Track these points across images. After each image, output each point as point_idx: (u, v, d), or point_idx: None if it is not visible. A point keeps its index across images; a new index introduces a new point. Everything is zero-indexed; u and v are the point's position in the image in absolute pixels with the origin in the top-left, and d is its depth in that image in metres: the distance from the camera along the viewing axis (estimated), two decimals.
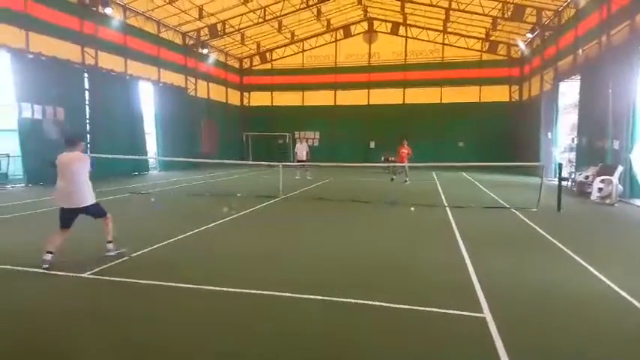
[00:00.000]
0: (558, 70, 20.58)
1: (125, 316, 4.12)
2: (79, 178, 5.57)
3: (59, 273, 5.27)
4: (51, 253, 5.41)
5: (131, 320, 4.05)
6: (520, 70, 28.83)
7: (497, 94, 29.48)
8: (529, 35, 23.79)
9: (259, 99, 34.16)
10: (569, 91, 19.47)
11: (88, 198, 5.67)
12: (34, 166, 15.47)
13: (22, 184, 15.24)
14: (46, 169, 8.94)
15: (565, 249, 6.80)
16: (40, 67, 15.96)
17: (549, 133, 20.83)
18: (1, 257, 5.91)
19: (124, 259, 5.90)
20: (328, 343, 3.63)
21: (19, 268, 5.46)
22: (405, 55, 30.81)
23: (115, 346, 3.52)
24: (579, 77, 17.51)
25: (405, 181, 17.81)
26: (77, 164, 5.57)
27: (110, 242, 5.92)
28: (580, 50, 17.70)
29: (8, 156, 14.74)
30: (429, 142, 29.42)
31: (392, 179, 18.65)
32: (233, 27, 26.10)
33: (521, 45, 25.75)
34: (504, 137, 28.49)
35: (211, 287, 4.82)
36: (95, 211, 5.84)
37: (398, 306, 4.35)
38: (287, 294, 4.63)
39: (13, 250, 6.35)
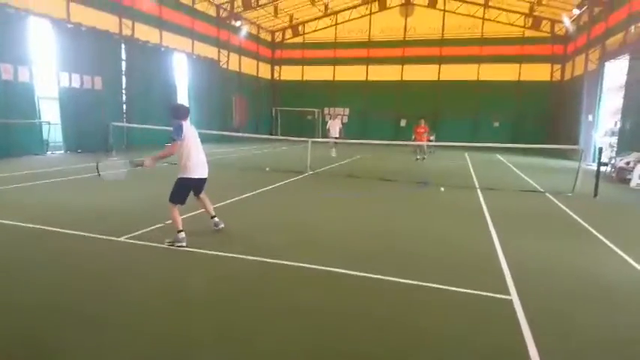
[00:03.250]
0: (605, 48, 19.49)
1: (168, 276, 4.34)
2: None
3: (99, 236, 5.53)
4: (182, 231, 5.32)
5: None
6: (564, 48, 27.42)
7: (538, 72, 28.22)
8: (576, 11, 22.53)
9: (290, 73, 33.95)
10: (615, 72, 18.42)
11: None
12: (72, 133, 16.07)
13: (62, 151, 15.87)
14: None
15: (598, 235, 6.60)
16: (80, 37, 16.34)
17: (590, 116, 19.94)
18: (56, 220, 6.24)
19: (157, 226, 6.08)
20: (362, 320, 3.70)
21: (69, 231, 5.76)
22: (443, 30, 29.76)
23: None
24: (628, 57, 16.53)
25: (424, 158, 18.28)
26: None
27: (214, 216, 6.06)
28: (633, 27, 16.62)
29: (49, 123, 15.31)
30: (463, 121, 28.77)
31: (423, 159, 18.38)
32: None
33: (567, 21, 24.44)
34: (543, 118, 27.53)
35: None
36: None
37: (423, 284, 4.36)
38: (310, 265, 4.73)
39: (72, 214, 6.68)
